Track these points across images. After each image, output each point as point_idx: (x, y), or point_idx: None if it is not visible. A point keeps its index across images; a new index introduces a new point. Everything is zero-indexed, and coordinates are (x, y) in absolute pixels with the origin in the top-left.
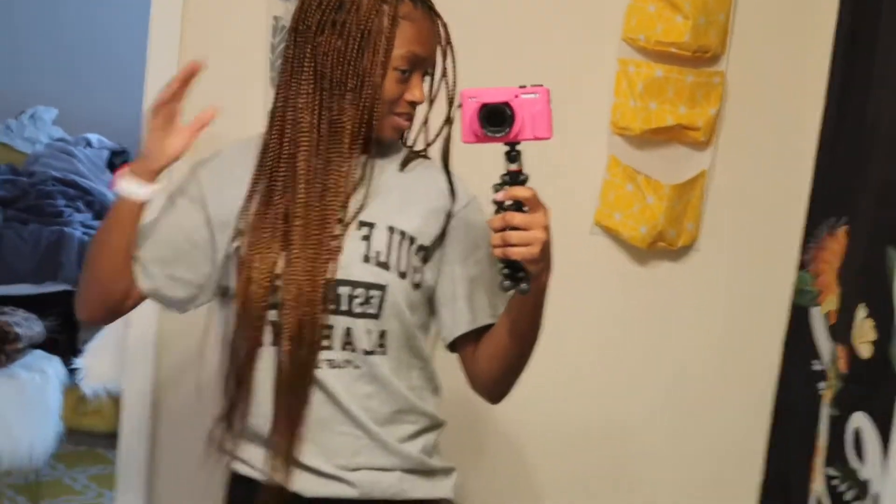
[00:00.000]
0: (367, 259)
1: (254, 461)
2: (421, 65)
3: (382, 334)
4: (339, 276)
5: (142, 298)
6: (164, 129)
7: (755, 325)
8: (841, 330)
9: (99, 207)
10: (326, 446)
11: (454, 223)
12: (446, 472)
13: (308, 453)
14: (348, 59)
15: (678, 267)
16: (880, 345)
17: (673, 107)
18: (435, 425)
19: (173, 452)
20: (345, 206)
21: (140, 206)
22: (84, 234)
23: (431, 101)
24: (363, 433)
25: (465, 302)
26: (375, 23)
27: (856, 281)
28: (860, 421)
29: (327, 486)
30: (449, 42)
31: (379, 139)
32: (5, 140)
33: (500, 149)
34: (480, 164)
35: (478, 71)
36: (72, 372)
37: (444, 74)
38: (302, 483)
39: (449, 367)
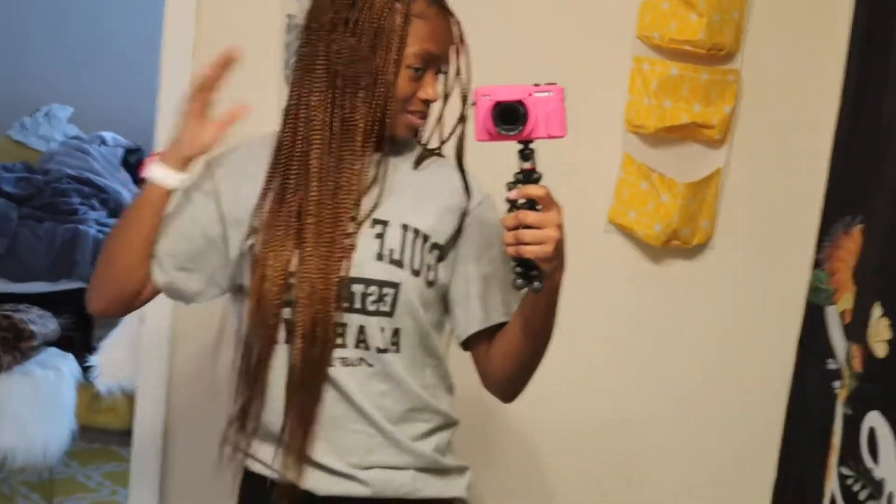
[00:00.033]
0: (380, 257)
1: (267, 459)
2: (434, 63)
3: (396, 332)
4: (353, 273)
5: (154, 293)
6: (198, 117)
7: (770, 324)
8: (856, 329)
9: (113, 205)
10: (339, 444)
11: (468, 221)
12: (460, 470)
13: (321, 451)
14: (361, 57)
15: (693, 265)
16: None
17: (688, 105)
18: (448, 424)
19: (187, 450)
20: (358, 204)
21: (167, 194)
22: (98, 231)
23: (445, 99)
24: (376, 431)
25: (478, 300)
26: (388, 21)
27: (871, 280)
28: (875, 420)
29: (340, 484)
30: (463, 40)
31: (392, 137)
32: (20, 138)
33: (513, 147)
34: (494, 162)
35: (491, 68)
36: (86, 369)
37: (457, 72)
38: (314, 481)
39: (460, 366)
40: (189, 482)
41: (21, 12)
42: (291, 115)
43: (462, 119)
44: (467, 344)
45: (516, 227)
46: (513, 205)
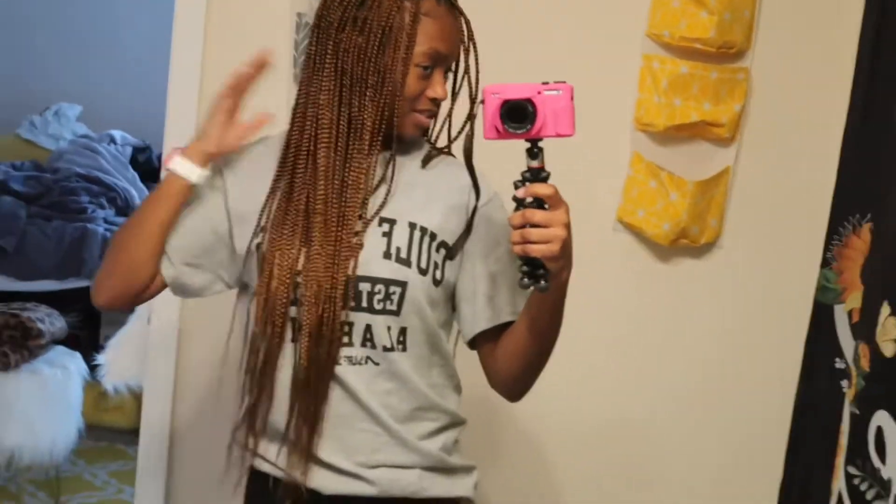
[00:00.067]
0: (387, 255)
1: (273, 458)
2: (443, 61)
3: (403, 331)
4: (360, 272)
5: (160, 289)
6: (227, 115)
7: (778, 323)
8: (864, 328)
9: (122, 204)
10: (346, 443)
11: (476, 220)
12: (467, 470)
13: (328, 450)
14: (369, 56)
15: (701, 264)
16: None
17: (697, 103)
18: (455, 423)
19: (193, 449)
20: (365, 203)
21: (187, 188)
22: (107, 230)
23: (454, 98)
24: (383, 430)
25: (485, 299)
26: (397, 19)
27: (879, 279)
28: (882, 419)
29: (346, 483)
30: (472, 38)
31: (400, 136)
32: (29, 137)
33: (522, 145)
34: (502, 160)
35: (500, 66)
36: (93, 368)
37: (466, 71)
38: (320, 480)
39: (466, 365)
40: (195, 480)
41: (30, 11)
42: (300, 114)
43: (471, 118)
44: (474, 343)
45: (523, 226)
46: (520, 203)
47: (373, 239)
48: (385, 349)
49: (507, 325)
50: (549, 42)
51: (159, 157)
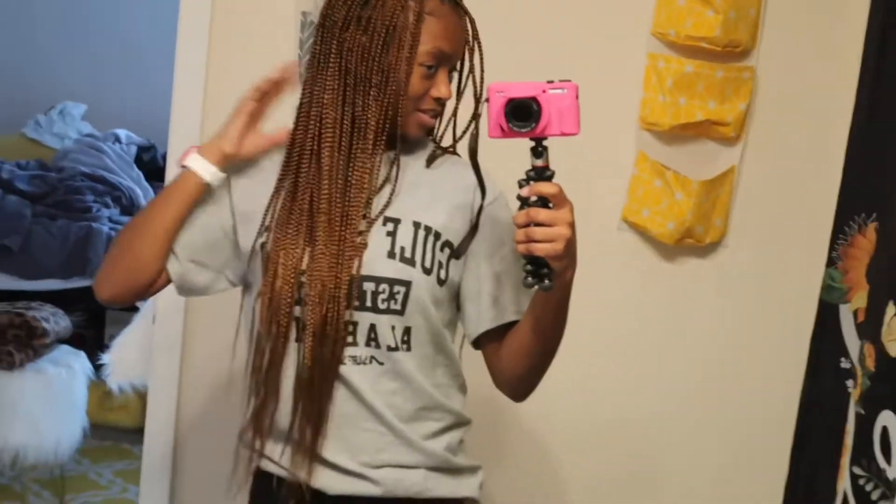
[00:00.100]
0: (391, 255)
1: (277, 457)
2: (447, 61)
3: (407, 331)
4: (364, 271)
5: (164, 285)
6: (249, 118)
7: (783, 322)
8: (869, 328)
9: (127, 203)
10: (351, 443)
11: (481, 219)
12: (472, 470)
13: (332, 449)
14: (373, 55)
15: (706, 263)
16: None
17: (702, 102)
18: (460, 423)
19: (198, 448)
20: (369, 203)
21: (201, 186)
22: (111, 229)
23: (458, 97)
24: (387, 430)
25: (489, 299)
26: (401, 19)
27: (885, 278)
28: (888, 420)
29: (351, 483)
30: (476, 38)
31: (404, 136)
32: (34, 136)
33: (527, 144)
34: (506, 159)
35: (505, 65)
36: (98, 367)
37: (471, 71)
38: (325, 480)
39: (471, 365)
40: (200, 479)
41: (35, 10)
42: (304, 113)
43: (475, 117)
44: (478, 343)
45: (527, 225)
46: (524, 202)
47: (377, 238)
48: (389, 349)
49: (512, 324)
50: (554, 41)
51: (164, 157)
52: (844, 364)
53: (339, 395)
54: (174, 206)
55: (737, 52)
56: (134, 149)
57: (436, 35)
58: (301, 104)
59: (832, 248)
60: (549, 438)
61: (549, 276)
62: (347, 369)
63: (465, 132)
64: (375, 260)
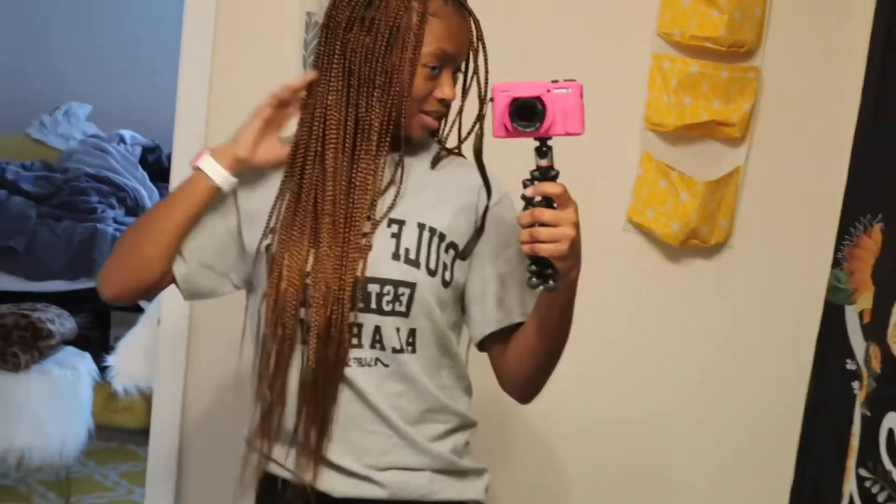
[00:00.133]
0: (396, 256)
1: (283, 460)
2: (451, 62)
3: (412, 333)
4: (369, 273)
5: (167, 285)
6: (266, 124)
7: (788, 323)
8: (875, 329)
9: (131, 204)
10: (356, 445)
11: (486, 220)
12: (478, 472)
13: (337, 452)
14: (377, 56)
15: (711, 264)
16: None
17: (707, 102)
18: (466, 425)
19: (204, 449)
20: (374, 204)
21: (212, 190)
22: (116, 230)
23: (463, 98)
24: (393, 432)
25: (494, 300)
26: (404, 19)
27: (891, 279)
28: (893, 421)
29: (356, 486)
30: (481, 39)
31: (408, 137)
32: (39, 136)
33: (531, 144)
34: (511, 158)
35: (509, 66)
36: (103, 369)
37: (475, 71)
38: (330, 483)
39: (475, 367)
40: (206, 481)
41: (40, 11)
42: (308, 114)
43: (480, 118)
44: (483, 345)
45: (532, 225)
46: (529, 202)
47: (382, 240)
48: (394, 351)
49: (517, 326)
50: (559, 41)
51: (169, 157)
52: (850, 366)
53: (344, 397)
54: (183, 208)
55: (741, 52)
56: (139, 149)
57: (439, 36)
58: (306, 105)
59: (838, 248)
60: (555, 439)
61: (553, 276)
62: (352, 371)
63: (469, 133)
64: (380, 261)
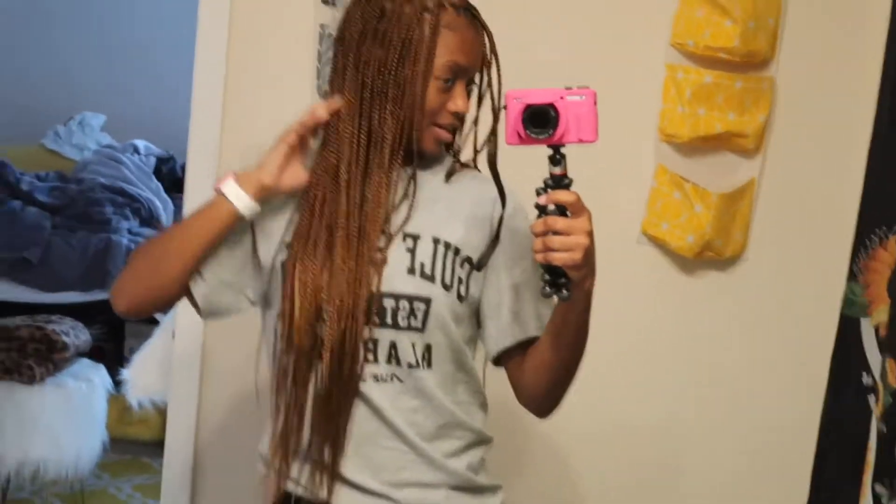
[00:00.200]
0: (411, 271)
1: (298, 477)
2: (463, 74)
3: (427, 348)
4: (384, 288)
5: (180, 300)
6: (291, 149)
7: (804, 336)
8: (891, 343)
9: (146, 215)
10: (372, 461)
11: (501, 230)
12: (493, 489)
13: (353, 468)
14: (389, 69)
15: (726, 277)
16: None
17: (722, 113)
18: (482, 441)
19: (218, 463)
20: (388, 219)
21: (234, 217)
22: (131, 241)
23: (477, 110)
24: (409, 448)
25: (510, 313)
26: (417, 32)
27: None
28: None
29: (373, 503)
30: (494, 51)
31: (420, 151)
32: (53, 147)
33: (545, 152)
34: (524, 166)
35: (522, 76)
36: (117, 381)
37: (488, 83)
38: (347, 500)
39: (490, 380)
40: (220, 495)
41: (54, 21)
42: (322, 127)
43: (494, 132)
44: (499, 360)
45: (545, 234)
46: (542, 210)
47: (397, 254)
48: (410, 366)
49: (533, 340)
50: (572, 52)
51: (183, 168)
52: (866, 380)
53: (360, 412)
54: (204, 231)
55: (756, 62)
56: (153, 160)
57: (452, 48)
58: (327, 125)
59: (853, 261)
60: (569, 451)
61: (566, 285)
62: (368, 387)
63: (483, 145)
64: (395, 276)
